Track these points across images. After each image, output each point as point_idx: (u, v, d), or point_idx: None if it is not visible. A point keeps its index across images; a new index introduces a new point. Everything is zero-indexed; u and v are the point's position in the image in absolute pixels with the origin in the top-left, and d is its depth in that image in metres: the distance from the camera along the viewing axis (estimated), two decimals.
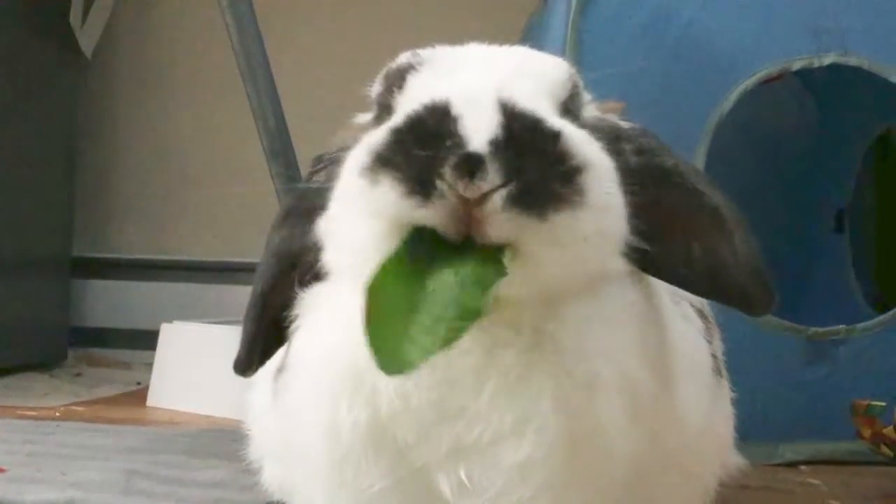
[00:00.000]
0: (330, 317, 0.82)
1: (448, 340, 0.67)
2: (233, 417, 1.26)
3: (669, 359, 0.82)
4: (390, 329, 0.67)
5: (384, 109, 0.85)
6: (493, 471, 0.75)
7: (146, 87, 3.38)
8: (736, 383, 1.04)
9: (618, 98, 0.98)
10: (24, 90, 2.88)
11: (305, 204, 0.89)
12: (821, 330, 1.81)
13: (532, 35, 2.14)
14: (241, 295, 0.95)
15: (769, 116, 2.48)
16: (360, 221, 0.74)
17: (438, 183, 0.69)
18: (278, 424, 0.92)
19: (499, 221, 0.69)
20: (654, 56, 1.76)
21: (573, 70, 0.87)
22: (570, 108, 0.83)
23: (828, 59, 1.79)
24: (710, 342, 0.96)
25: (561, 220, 0.70)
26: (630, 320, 0.79)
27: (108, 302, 3.33)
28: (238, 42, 2.00)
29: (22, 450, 1.67)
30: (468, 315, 0.68)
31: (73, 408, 2.26)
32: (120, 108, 3.39)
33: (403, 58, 0.86)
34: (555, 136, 0.72)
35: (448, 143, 0.70)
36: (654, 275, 0.84)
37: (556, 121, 0.75)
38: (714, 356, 0.97)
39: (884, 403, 1.63)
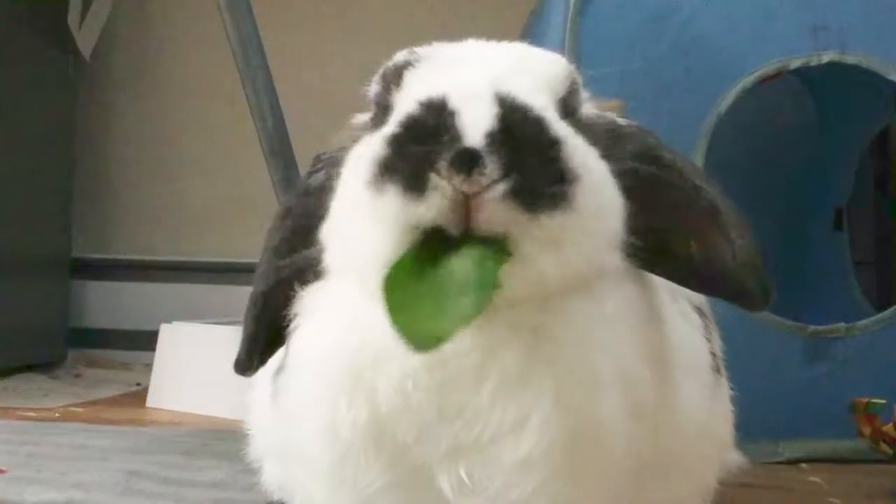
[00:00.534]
0: (329, 316, 0.82)
1: (471, 315, 0.69)
2: (232, 417, 1.26)
3: (668, 356, 0.82)
4: (415, 311, 0.69)
5: (382, 108, 0.85)
6: (493, 468, 0.75)
7: (144, 88, 3.38)
8: (735, 381, 1.04)
9: (616, 96, 0.98)
10: (22, 91, 2.88)
11: (304, 203, 0.89)
12: (820, 328, 1.81)
13: (531, 34, 2.14)
14: (241, 295, 0.95)
15: (768, 115, 2.48)
16: (369, 228, 0.74)
17: (434, 177, 0.70)
18: (278, 424, 0.92)
19: (494, 212, 0.70)
20: (653, 55, 1.77)
21: (572, 67, 0.87)
22: (568, 105, 0.83)
23: (826, 58, 1.79)
24: (708, 340, 0.96)
25: (552, 221, 0.71)
26: (629, 318, 0.79)
27: (107, 303, 3.33)
28: (236, 42, 2.00)
29: (22, 450, 1.67)
30: (486, 289, 0.69)
31: (73, 408, 2.26)
32: (118, 108, 3.39)
33: (401, 56, 0.86)
34: (552, 137, 0.72)
35: (445, 138, 0.70)
36: (652, 271, 0.84)
37: (554, 122, 0.75)
38: (713, 354, 0.97)
39: (884, 401, 1.63)
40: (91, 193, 3.36)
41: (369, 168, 0.74)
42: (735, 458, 1.08)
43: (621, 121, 0.89)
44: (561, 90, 0.83)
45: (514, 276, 0.72)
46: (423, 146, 0.71)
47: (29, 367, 2.88)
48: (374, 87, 0.88)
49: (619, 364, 0.77)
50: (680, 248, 0.83)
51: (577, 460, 0.75)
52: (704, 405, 0.90)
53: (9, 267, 2.85)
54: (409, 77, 0.83)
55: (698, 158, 1.71)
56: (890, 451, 1.62)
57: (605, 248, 0.77)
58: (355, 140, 0.86)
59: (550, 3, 1.92)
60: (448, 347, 0.73)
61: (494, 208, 0.70)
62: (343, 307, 0.81)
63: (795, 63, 1.79)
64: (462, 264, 0.70)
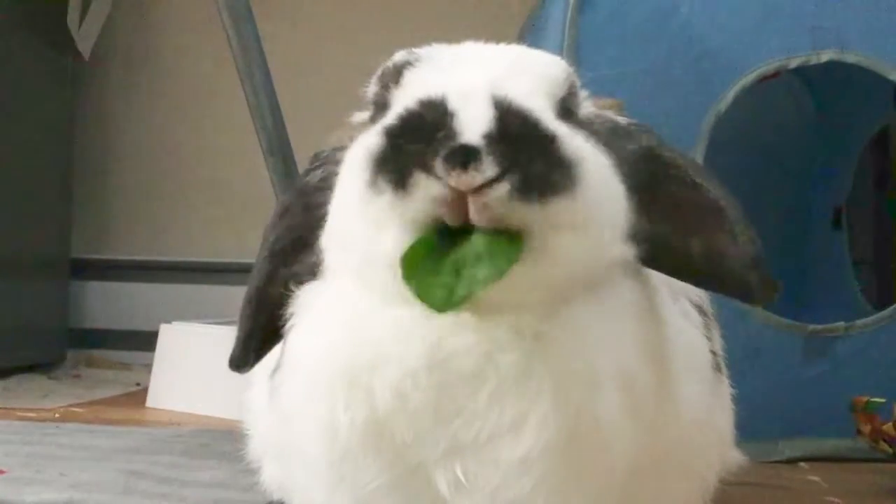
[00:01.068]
0: (327, 315, 0.82)
1: (486, 280, 0.69)
2: (232, 418, 1.26)
3: (668, 355, 0.82)
4: (433, 277, 0.70)
5: (380, 107, 0.85)
6: (490, 468, 0.75)
7: (144, 88, 3.38)
8: (735, 380, 1.04)
9: (616, 96, 0.98)
10: (21, 92, 2.88)
11: (302, 202, 0.89)
12: (820, 327, 1.81)
13: (530, 34, 2.14)
14: (240, 295, 0.94)
15: (767, 114, 2.48)
16: (369, 227, 0.75)
17: (418, 174, 0.70)
18: (276, 424, 0.92)
19: (500, 210, 0.70)
20: (652, 54, 1.77)
21: (570, 68, 0.87)
22: (567, 106, 0.83)
23: (825, 57, 1.79)
24: (709, 338, 0.96)
25: (562, 205, 0.71)
26: (629, 317, 0.79)
27: (106, 303, 3.33)
28: (235, 41, 2.00)
29: (21, 451, 1.67)
30: (499, 263, 0.70)
31: (73, 409, 2.26)
32: (118, 109, 3.39)
33: (399, 56, 0.87)
34: (549, 134, 0.73)
35: (441, 135, 0.70)
36: (654, 268, 0.84)
37: (550, 121, 0.75)
38: (713, 352, 0.97)
39: (883, 400, 1.63)
40: (90, 194, 3.36)
41: (366, 166, 0.74)
42: (735, 456, 1.08)
43: (621, 120, 0.89)
44: (559, 92, 0.83)
45: (529, 271, 0.72)
46: (418, 142, 0.71)
47: (28, 368, 2.88)
48: (372, 87, 0.88)
49: (619, 363, 0.76)
50: (682, 244, 0.83)
51: (576, 459, 0.75)
52: (704, 404, 0.90)
53: (8, 267, 2.85)
54: (408, 77, 0.83)
55: (698, 157, 1.71)
56: (889, 450, 1.62)
57: (615, 235, 0.77)
58: (353, 139, 0.86)
59: (549, 4, 1.92)
60: (447, 348, 0.74)
61: (500, 207, 0.70)
62: (341, 306, 0.80)
63: (795, 62, 1.79)
64: (478, 242, 0.71)
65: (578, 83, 0.88)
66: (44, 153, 3.06)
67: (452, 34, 0.94)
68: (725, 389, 1.01)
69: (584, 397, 0.75)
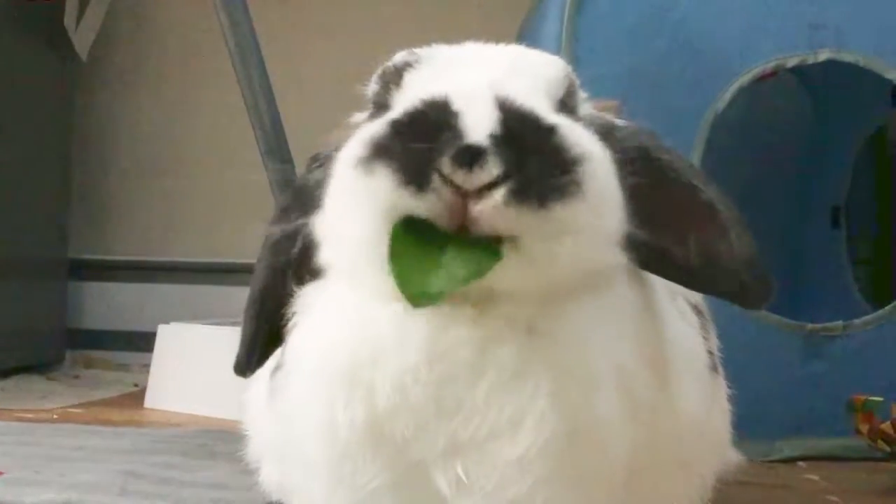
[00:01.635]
0: (326, 315, 0.82)
1: (460, 280, 0.70)
2: (230, 418, 1.26)
3: (665, 354, 0.82)
4: (413, 269, 0.70)
5: (380, 108, 0.85)
6: (490, 466, 0.75)
7: (141, 89, 3.37)
8: (733, 380, 1.04)
9: (613, 95, 0.98)
10: (18, 92, 2.87)
11: (301, 202, 0.89)
12: (818, 326, 1.81)
13: (527, 34, 2.14)
14: (239, 296, 0.95)
15: (765, 113, 2.48)
16: (356, 216, 0.74)
17: (434, 174, 0.69)
18: (276, 423, 0.92)
19: (500, 215, 0.70)
20: (649, 53, 1.77)
21: (569, 68, 0.88)
22: (566, 106, 0.83)
23: (823, 56, 1.79)
24: (706, 338, 0.96)
25: (561, 211, 0.71)
26: (626, 316, 0.79)
27: (105, 304, 3.33)
28: (233, 42, 2.00)
29: (20, 452, 1.67)
30: (477, 265, 0.70)
31: (71, 410, 2.25)
32: (115, 109, 3.39)
33: (400, 56, 0.87)
34: (551, 130, 0.73)
35: (447, 135, 0.70)
36: (649, 270, 0.84)
37: (551, 116, 0.75)
38: (710, 352, 0.97)
39: (881, 399, 1.63)
40: (88, 194, 3.36)
41: (362, 147, 0.74)
42: (733, 456, 1.08)
43: (618, 121, 0.89)
44: (559, 91, 0.83)
45: (523, 273, 0.72)
46: (424, 139, 0.71)
47: (27, 369, 2.87)
48: (372, 87, 0.88)
49: (617, 362, 0.77)
50: (678, 247, 0.83)
51: (574, 458, 0.75)
52: (702, 403, 0.90)
53: (6, 268, 2.85)
54: (409, 78, 0.83)
55: (696, 157, 1.71)
56: (888, 449, 1.62)
57: (611, 240, 0.77)
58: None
59: (546, 4, 1.92)
60: (445, 340, 0.74)
61: (500, 211, 0.70)
62: (340, 305, 0.81)
63: (792, 61, 1.79)
64: (462, 244, 0.71)
65: (577, 83, 0.88)
66: (42, 154, 3.06)
67: (452, 34, 0.94)
68: (722, 389, 1.01)
69: (581, 396, 0.75)
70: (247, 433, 1.14)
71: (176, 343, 2.42)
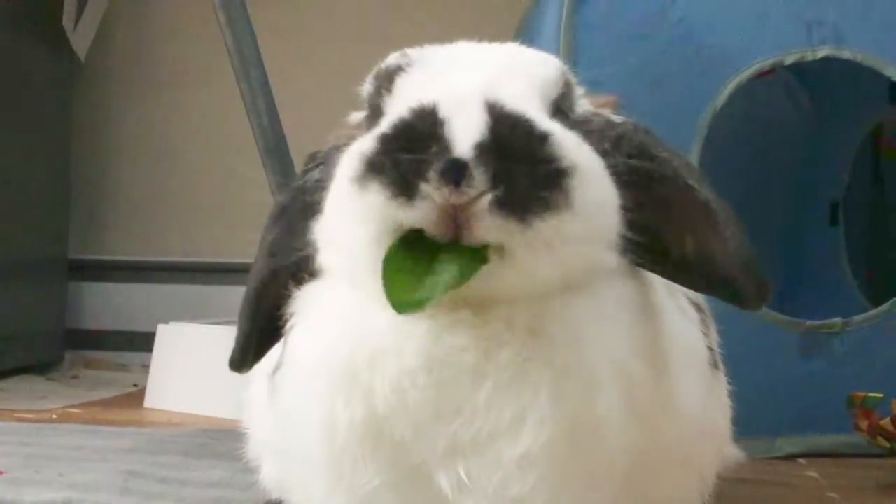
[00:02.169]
0: (326, 315, 0.82)
1: (443, 289, 0.71)
2: (230, 417, 1.26)
3: (665, 351, 0.82)
4: (403, 280, 0.72)
5: (375, 110, 0.86)
6: (491, 466, 0.75)
7: (140, 89, 3.37)
8: (733, 377, 1.04)
9: (612, 93, 0.98)
10: (17, 93, 2.87)
11: (299, 202, 0.89)
12: (817, 323, 1.81)
13: (526, 32, 2.14)
14: (238, 295, 0.95)
15: (763, 111, 2.48)
16: (354, 227, 0.75)
17: (424, 186, 0.70)
18: (275, 423, 0.92)
19: (485, 224, 0.71)
20: (648, 52, 1.76)
21: (564, 67, 0.87)
22: (560, 107, 0.83)
23: (821, 53, 1.79)
24: (706, 335, 0.97)
25: (545, 225, 0.71)
26: (625, 313, 0.79)
27: (104, 304, 3.33)
28: (232, 41, 2.00)
29: (20, 452, 1.67)
30: (461, 275, 0.71)
31: (71, 410, 2.25)
32: (114, 109, 3.39)
33: (392, 58, 0.87)
34: (542, 138, 0.73)
35: (434, 147, 0.71)
36: (646, 269, 0.84)
37: (544, 122, 0.75)
38: (710, 348, 0.97)
39: (881, 395, 1.63)
40: (87, 194, 3.36)
41: (355, 164, 0.74)
42: (733, 452, 1.08)
43: (616, 118, 0.89)
44: (553, 92, 0.83)
45: (509, 281, 0.73)
46: (412, 152, 0.71)
47: (26, 369, 2.87)
48: (367, 87, 0.89)
49: (616, 360, 0.77)
50: (674, 246, 0.83)
51: (575, 457, 0.76)
52: (702, 400, 0.90)
53: (5, 269, 2.85)
54: (400, 83, 0.83)
55: (695, 154, 1.71)
56: (887, 446, 1.62)
57: (602, 246, 0.77)
58: (350, 138, 0.87)
59: (545, 2, 1.92)
60: (445, 345, 0.74)
61: (483, 221, 0.70)
62: (339, 306, 0.81)
63: (790, 58, 1.79)
64: (449, 253, 0.72)
65: (573, 81, 0.88)
66: (41, 154, 3.06)
67: (450, 32, 0.94)
68: (723, 386, 1.02)
69: (581, 394, 0.75)
70: (247, 432, 1.15)
71: (175, 343, 2.42)
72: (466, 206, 0.70)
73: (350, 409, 0.77)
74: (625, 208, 0.79)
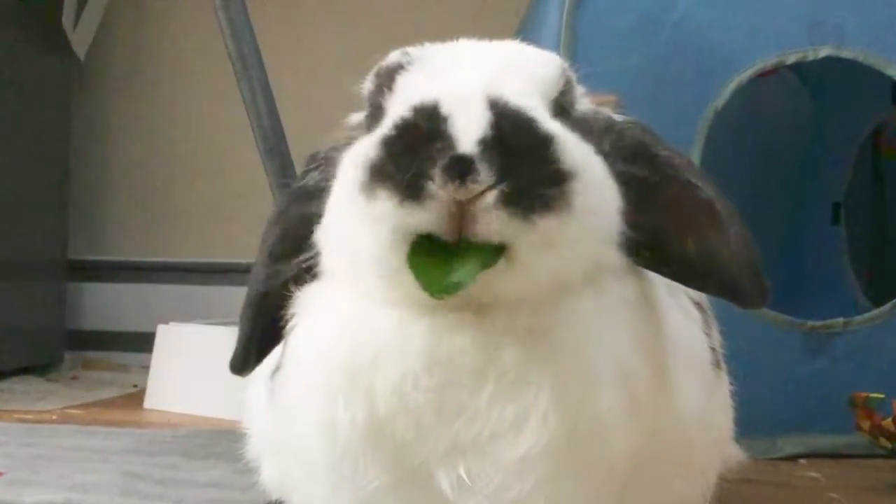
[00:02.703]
0: (326, 316, 0.82)
1: (475, 273, 0.71)
2: (230, 418, 1.26)
3: (667, 351, 0.82)
4: (432, 271, 0.72)
5: (376, 109, 0.85)
6: (492, 467, 0.75)
7: (140, 89, 3.37)
8: (734, 377, 1.04)
9: (613, 92, 0.98)
10: (17, 93, 2.87)
11: (300, 203, 0.89)
12: (818, 323, 1.81)
13: (526, 31, 2.14)
14: (238, 296, 0.94)
15: (764, 110, 2.48)
16: (364, 234, 0.75)
17: (429, 185, 0.70)
18: (276, 423, 0.92)
19: (489, 219, 0.70)
20: (648, 51, 1.76)
21: (565, 65, 0.87)
22: (561, 105, 0.83)
23: (822, 53, 1.78)
24: (708, 335, 0.96)
25: (548, 224, 0.71)
26: (626, 314, 0.79)
27: (104, 304, 3.33)
28: (232, 41, 2.00)
29: (20, 452, 1.66)
30: (486, 261, 0.72)
31: (70, 411, 2.25)
32: (114, 109, 3.39)
33: (393, 57, 0.86)
34: (544, 135, 0.73)
35: (438, 145, 0.71)
36: (648, 268, 0.84)
37: (545, 120, 0.75)
38: (712, 349, 0.97)
39: (882, 396, 1.63)
40: (87, 195, 3.36)
41: (361, 172, 0.74)
42: (734, 453, 1.08)
43: (617, 117, 0.89)
44: (554, 90, 0.83)
45: (511, 281, 0.73)
46: (416, 153, 0.71)
47: (26, 370, 2.87)
48: (367, 86, 0.88)
49: (618, 360, 0.77)
50: (676, 245, 0.83)
51: (576, 457, 0.75)
52: (704, 400, 0.90)
53: (5, 269, 2.85)
54: (401, 81, 0.83)
55: (696, 154, 1.71)
56: (889, 446, 1.62)
57: (603, 246, 0.77)
58: (350, 139, 0.86)
59: (545, 1, 1.92)
60: (446, 347, 0.75)
61: (488, 216, 0.70)
62: (340, 308, 0.81)
63: (792, 58, 1.79)
64: (467, 247, 0.72)
65: (574, 79, 0.87)
66: (41, 154, 3.06)
67: (451, 30, 0.94)
68: (725, 386, 1.01)
69: (583, 395, 0.75)
70: (246, 432, 1.14)
71: (175, 343, 2.42)
72: (472, 202, 0.70)
73: (351, 410, 0.77)
74: (626, 207, 0.79)
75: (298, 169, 0.96)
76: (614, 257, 0.79)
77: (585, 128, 0.82)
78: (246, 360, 0.93)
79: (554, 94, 0.83)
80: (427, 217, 0.71)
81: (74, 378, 2.90)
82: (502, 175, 0.70)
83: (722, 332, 1.06)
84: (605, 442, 0.76)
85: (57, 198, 3.19)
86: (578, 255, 0.74)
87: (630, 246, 0.80)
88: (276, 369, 0.90)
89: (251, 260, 0.94)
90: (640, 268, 0.83)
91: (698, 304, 0.98)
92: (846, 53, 1.79)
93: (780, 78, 2.39)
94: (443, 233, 0.71)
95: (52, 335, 3.15)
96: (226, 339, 0.95)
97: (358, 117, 0.92)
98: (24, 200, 2.95)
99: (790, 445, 1.80)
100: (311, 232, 0.85)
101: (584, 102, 0.88)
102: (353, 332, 0.78)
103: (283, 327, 0.87)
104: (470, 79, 0.78)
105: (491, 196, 0.70)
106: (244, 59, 2.01)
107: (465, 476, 0.76)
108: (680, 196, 0.83)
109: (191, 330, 2.43)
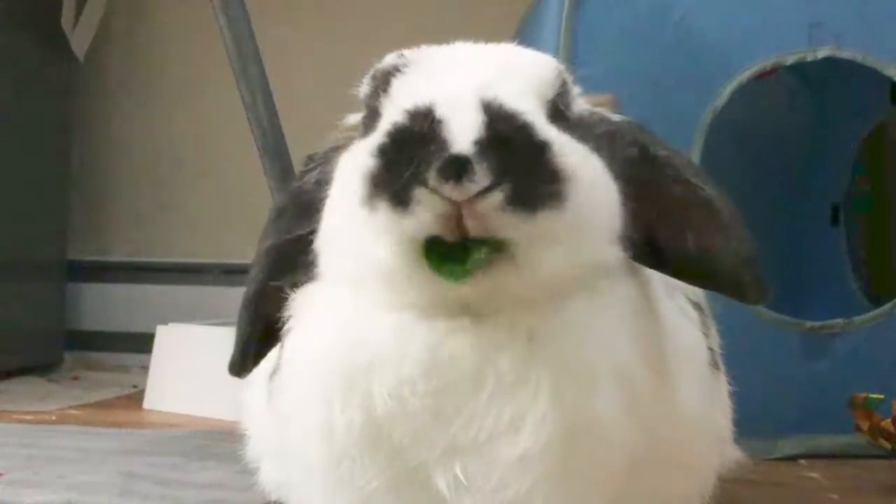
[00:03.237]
0: (324, 318, 0.82)
1: (480, 264, 0.72)
2: (229, 418, 1.26)
3: (665, 351, 0.82)
4: (448, 258, 0.72)
5: (372, 112, 0.85)
6: (489, 467, 0.75)
7: (139, 89, 3.37)
8: (733, 377, 1.04)
9: (612, 93, 0.98)
10: (16, 93, 2.87)
11: (298, 204, 0.89)
12: (818, 324, 1.81)
13: (525, 32, 2.14)
14: (237, 296, 0.94)
15: (764, 111, 2.48)
16: (370, 249, 0.75)
17: (419, 191, 0.70)
18: (274, 425, 0.92)
19: (489, 217, 0.70)
20: (648, 52, 1.76)
21: (561, 66, 0.87)
22: (558, 107, 0.83)
23: (822, 53, 1.78)
24: (706, 335, 0.96)
25: (549, 219, 0.71)
26: (625, 314, 0.79)
27: (103, 305, 3.33)
28: (231, 42, 2.00)
29: (19, 453, 1.66)
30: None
31: (70, 411, 2.25)
32: (113, 110, 3.39)
33: (389, 59, 0.86)
34: (539, 136, 0.73)
35: (433, 147, 0.70)
36: (648, 265, 0.84)
37: (540, 121, 0.75)
38: (711, 349, 0.97)
39: (882, 396, 1.63)
40: (87, 196, 3.36)
41: (361, 185, 0.74)
42: (733, 453, 1.08)
43: (615, 116, 0.89)
44: (550, 92, 0.83)
45: (512, 279, 0.73)
46: (410, 156, 0.71)
47: (25, 370, 2.87)
48: (364, 89, 0.88)
49: (615, 360, 0.77)
50: (675, 242, 0.83)
51: (574, 457, 0.75)
52: (702, 401, 0.90)
53: (5, 270, 2.85)
54: (397, 84, 0.83)
55: (695, 155, 1.71)
56: (888, 447, 1.62)
57: (602, 244, 0.77)
58: (348, 140, 0.86)
59: (545, 2, 1.92)
60: (445, 351, 0.75)
61: (490, 217, 0.70)
62: (338, 310, 0.81)
63: (791, 59, 1.79)
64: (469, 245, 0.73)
65: (571, 81, 0.87)
66: (39, 154, 3.06)
67: (448, 33, 0.94)
68: (723, 386, 1.01)
69: (581, 395, 0.75)
70: (246, 433, 1.14)
71: (174, 344, 2.42)
72: (471, 202, 0.70)
73: (348, 412, 0.77)
74: (625, 206, 0.79)
75: (297, 168, 0.96)
76: (613, 256, 0.79)
77: (582, 129, 0.82)
78: (244, 361, 0.93)
79: (550, 95, 0.82)
80: (427, 221, 0.71)
81: (74, 378, 2.90)
82: (499, 174, 0.70)
83: (721, 333, 1.06)
84: (602, 442, 0.76)
85: (57, 198, 3.19)
86: (578, 251, 0.74)
87: (629, 244, 0.80)
88: (275, 371, 0.90)
89: (251, 260, 0.94)
90: (638, 267, 0.83)
91: (696, 304, 0.98)
92: (845, 54, 1.79)
93: (779, 78, 2.39)
94: (445, 234, 0.71)
95: (52, 336, 3.15)
96: (225, 339, 0.95)
97: (355, 118, 0.92)
98: (24, 201, 2.95)
99: (790, 446, 1.80)
100: (309, 233, 0.85)
101: (580, 104, 0.88)
102: (352, 334, 0.78)
103: (280, 328, 0.87)
104: (465, 81, 0.77)
105: (492, 198, 0.70)
106: (243, 59, 2.01)
107: (461, 476, 0.76)
108: (679, 194, 0.83)
109: (190, 330, 2.43)
